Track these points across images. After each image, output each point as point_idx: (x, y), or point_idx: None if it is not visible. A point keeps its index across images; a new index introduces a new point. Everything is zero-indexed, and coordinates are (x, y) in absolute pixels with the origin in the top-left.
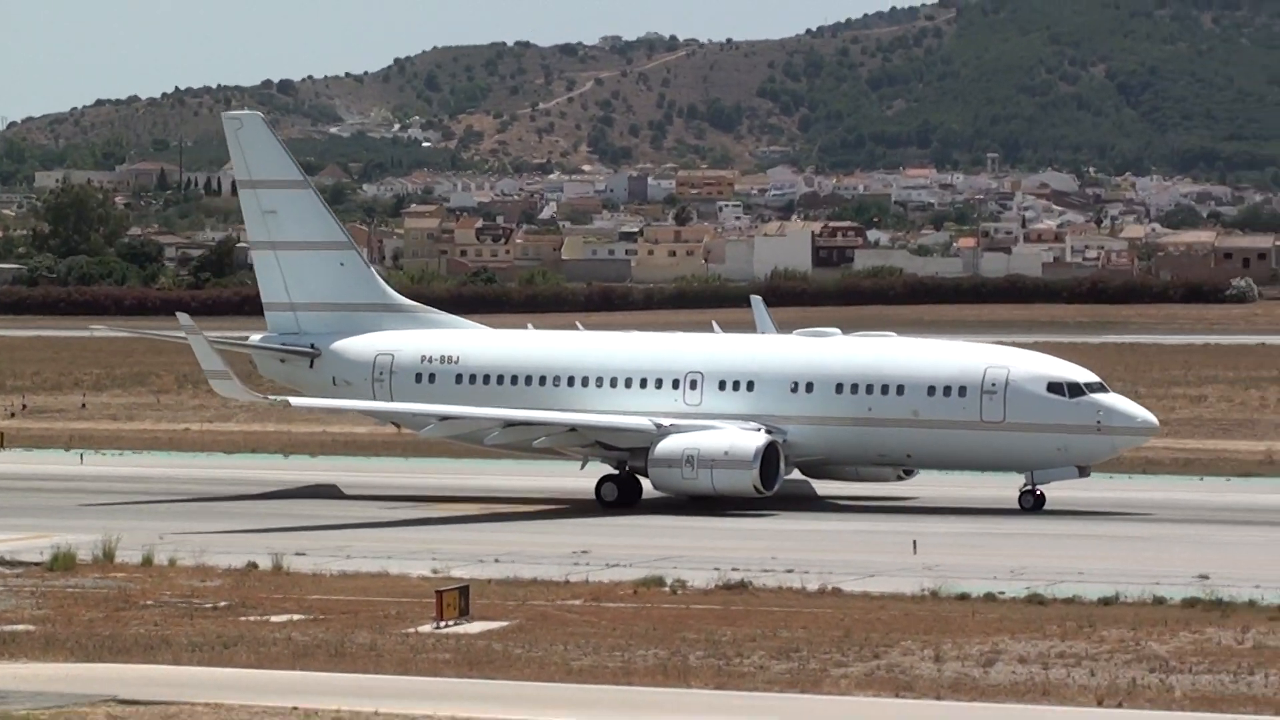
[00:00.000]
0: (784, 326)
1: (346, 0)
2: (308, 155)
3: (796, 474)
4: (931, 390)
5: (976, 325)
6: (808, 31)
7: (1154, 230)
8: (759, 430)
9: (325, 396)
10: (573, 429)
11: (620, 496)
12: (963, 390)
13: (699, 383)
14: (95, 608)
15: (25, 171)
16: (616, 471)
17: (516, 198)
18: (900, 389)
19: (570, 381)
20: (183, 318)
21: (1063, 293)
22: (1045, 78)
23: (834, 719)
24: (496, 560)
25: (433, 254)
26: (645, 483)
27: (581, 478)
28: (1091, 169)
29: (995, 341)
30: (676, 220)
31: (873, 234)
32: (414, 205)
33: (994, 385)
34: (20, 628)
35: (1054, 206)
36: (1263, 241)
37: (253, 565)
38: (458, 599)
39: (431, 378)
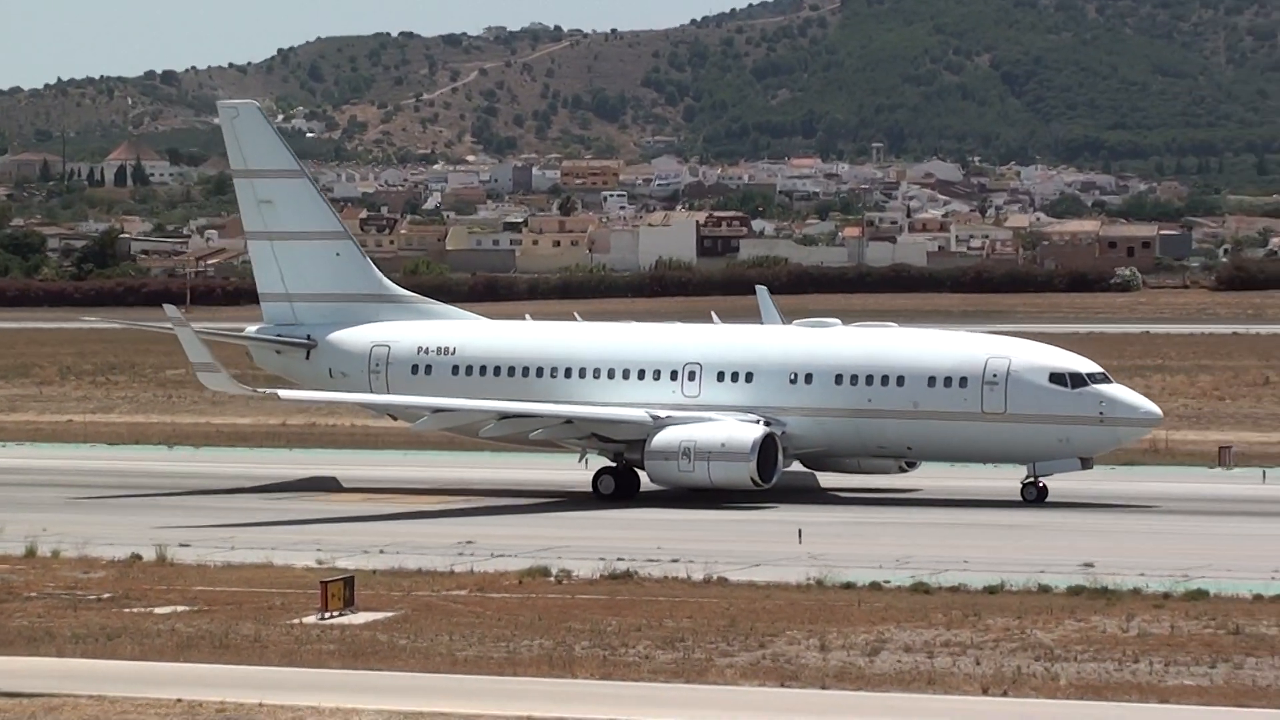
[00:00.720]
0: (665, 317)
1: None
2: (191, 146)
3: (797, 466)
4: (932, 381)
5: (862, 315)
6: (692, 21)
7: (1038, 219)
8: (757, 422)
9: (322, 388)
10: (568, 421)
11: (617, 489)
12: (964, 381)
13: (697, 374)
14: None
15: None
16: (614, 464)
17: (401, 188)
18: (900, 380)
19: (568, 373)
20: (170, 309)
21: (947, 282)
22: (930, 67)
23: (720, 708)
24: (381, 551)
25: None
26: (643, 475)
27: (579, 470)
28: (976, 158)
29: None
30: (561, 210)
31: (758, 224)
32: None
33: (995, 376)
34: None
35: (939, 196)
36: (1146, 230)
37: (137, 557)
38: (342, 590)
39: (428, 369)
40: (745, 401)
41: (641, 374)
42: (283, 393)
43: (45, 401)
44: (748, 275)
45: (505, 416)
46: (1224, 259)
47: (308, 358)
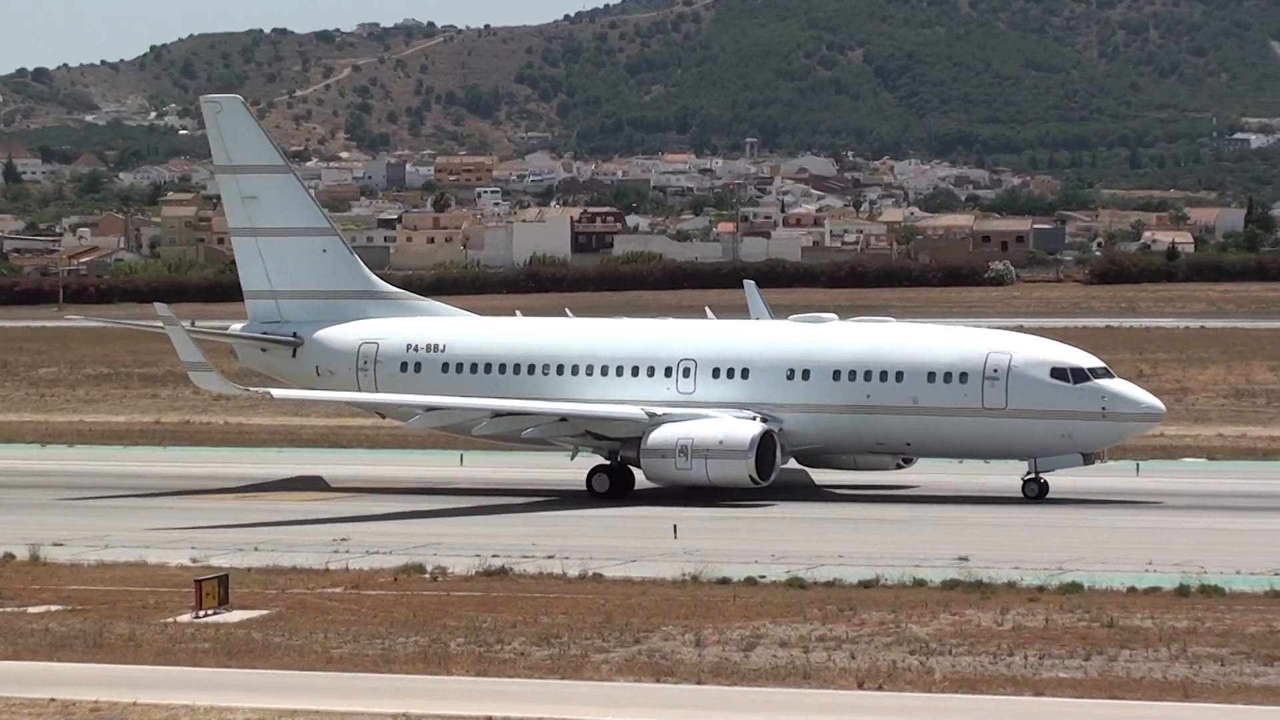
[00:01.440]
0: (541, 313)
1: None
2: (64, 143)
3: (793, 463)
4: (932, 377)
5: (737, 310)
6: (566, 17)
7: (912, 214)
8: (754, 419)
9: (308, 386)
10: (563, 419)
11: (612, 488)
12: (964, 376)
13: (692, 370)
14: None
15: None
16: (608, 462)
17: None
18: (900, 375)
19: (560, 370)
20: (161, 308)
21: (822, 277)
22: (803, 63)
23: (595, 704)
24: (256, 549)
25: (190, 242)
26: (638, 474)
27: (571, 469)
28: (850, 153)
29: None
30: (435, 207)
31: (632, 219)
32: (171, 193)
33: (996, 371)
34: None
35: (813, 191)
36: (1020, 224)
37: (10, 556)
38: (217, 588)
39: (418, 367)
40: (741, 398)
41: (635, 370)
42: (276, 392)
43: None
44: (622, 271)
45: (499, 414)
46: (1097, 252)
47: (294, 355)
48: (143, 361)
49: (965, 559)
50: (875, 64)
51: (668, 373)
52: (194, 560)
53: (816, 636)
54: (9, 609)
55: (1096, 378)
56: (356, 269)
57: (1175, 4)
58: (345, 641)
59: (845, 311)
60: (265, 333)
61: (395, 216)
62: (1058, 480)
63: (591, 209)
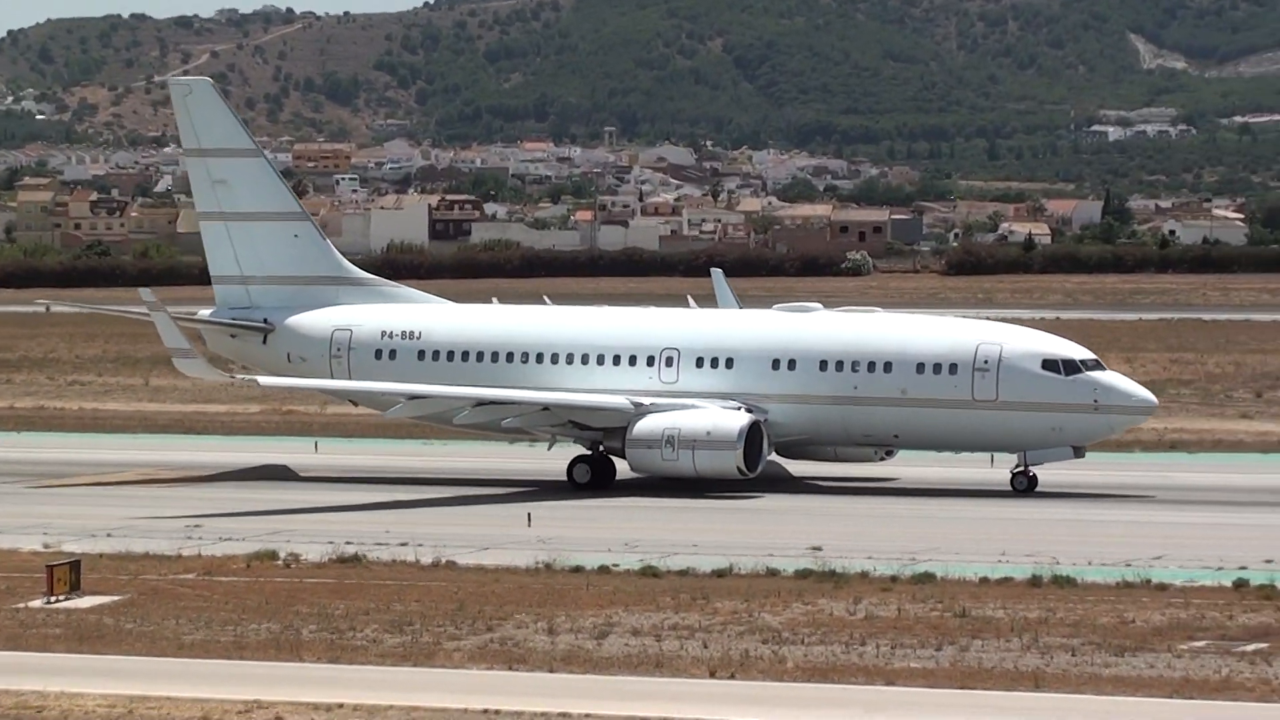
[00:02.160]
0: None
1: None
2: None
3: (773, 455)
4: (921, 368)
5: (594, 298)
6: (425, 4)
7: (770, 204)
8: (738, 409)
9: (279, 373)
10: (545, 408)
11: (593, 478)
12: (954, 368)
13: (675, 360)
14: None
15: None
16: (589, 452)
17: (132, 171)
18: (888, 366)
19: (540, 358)
20: (145, 294)
21: (679, 266)
22: (663, 51)
23: (447, 691)
24: (109, 535)
25: (46, 227)
26: (619, 464)
27: (549, 459)
28: (709, 143)
29: None
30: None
31: (490, 207)
32: (27, 178)
33: (987, 362)
34: None
35: (671, 180)
36: (878, 215)
37: None
38: (69, 574)
39: (393, 354)
40: (725, 388)
41: (617, 359)
42: (262, 379)
43: None
44: (479, 259)
45: (483, 403)
46: (954, 243)
47: (265, 342)
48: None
49: (819, 548)
50: (735, 54)
51: (650, 362)
52: (45, 546)
53: (669, 625)
54: None
55: (1088, 369)
56: (329, 254)
57: None
58: (197, 628)
59: (702, 302)
60: (235, 318)
61: None
62: (916, 471)
63: (449, 196)
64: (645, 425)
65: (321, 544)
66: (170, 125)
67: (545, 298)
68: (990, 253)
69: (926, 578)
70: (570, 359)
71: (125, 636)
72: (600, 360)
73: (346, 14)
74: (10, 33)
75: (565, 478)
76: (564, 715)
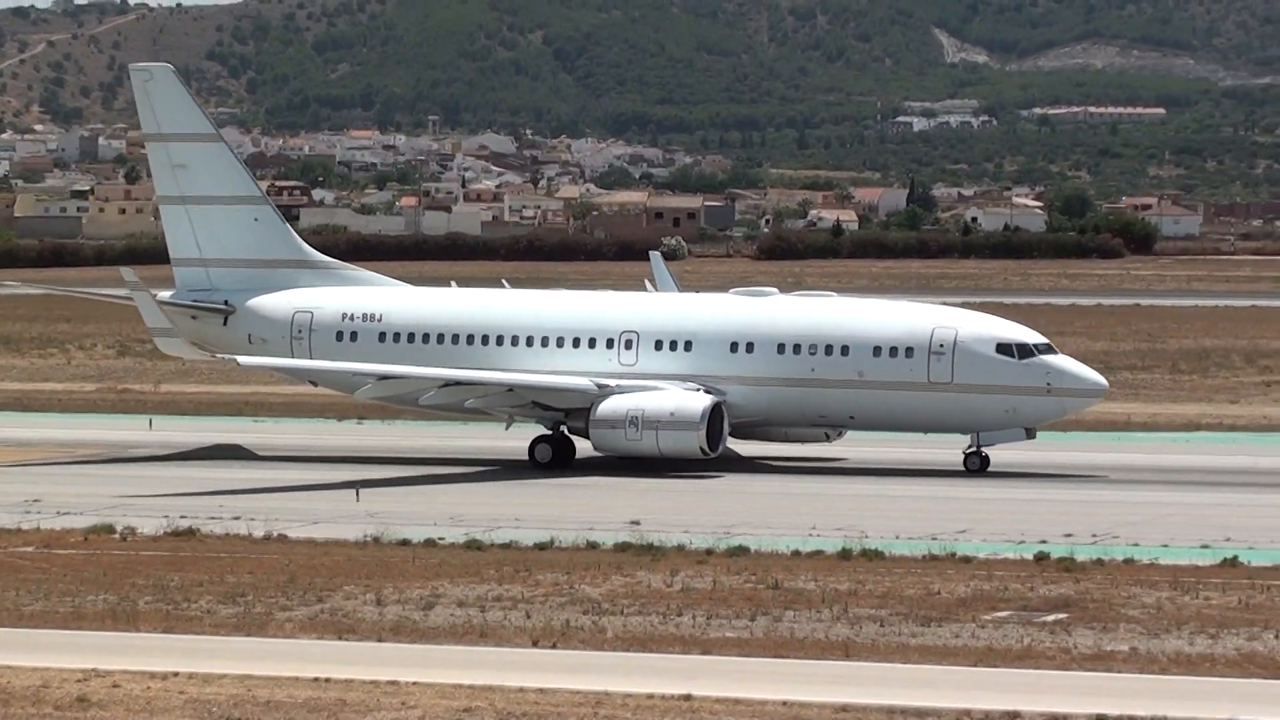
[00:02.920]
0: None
1: None
2: None
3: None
4: (877, 351)
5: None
6: None
7: (589, 190)
8: (699, 391)
9: (239, 354)
10: (511, 389)
11: (554, 458)
12: (909, 351)
13: (634, 342)
14: None
15: None
16: (550, 432)
17: None
18: (845, 349)
19: (500, 340)
20: (127, 273)
21: (501, 250)
22: (485, 43)
23: (279, 660)
24: None
25: None
26: (578, 443)
27: (508, 439)
28: (529, 131)
29: None
30: (127, 179)
31: (318, 193)
32: None
33: (942, 346)
34: None
35: (493, 167)
36: (692, 202)
37: None
38: None
39: (354, 336)
40: (684, 370)
41: (577, 342)
42: (242, 359)
43: None
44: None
45: (451, 384)
46: (765, 229)
47: (225, 324)
48: None
49: (637, 523)
50: (554, 45)
51: (609, 344)
52: None
53: (493, 596)
54: None
55: (1041, 354)
56: (289, 238)
57: None
58: (36, 599)
59: (524, 284)
60: (195, 300)
61: (88, 188)
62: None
63: (279, 183)
64: (609, 406)
65: (157, 518)
66: (8, 112)
67: (504, 281)
68: (800, 238)
69: (740, 551)
70: (530, 341)
71: None
72: (560, 343)
73: (179, 5)
74: None
75: (526, 457)
76: (392, 683)
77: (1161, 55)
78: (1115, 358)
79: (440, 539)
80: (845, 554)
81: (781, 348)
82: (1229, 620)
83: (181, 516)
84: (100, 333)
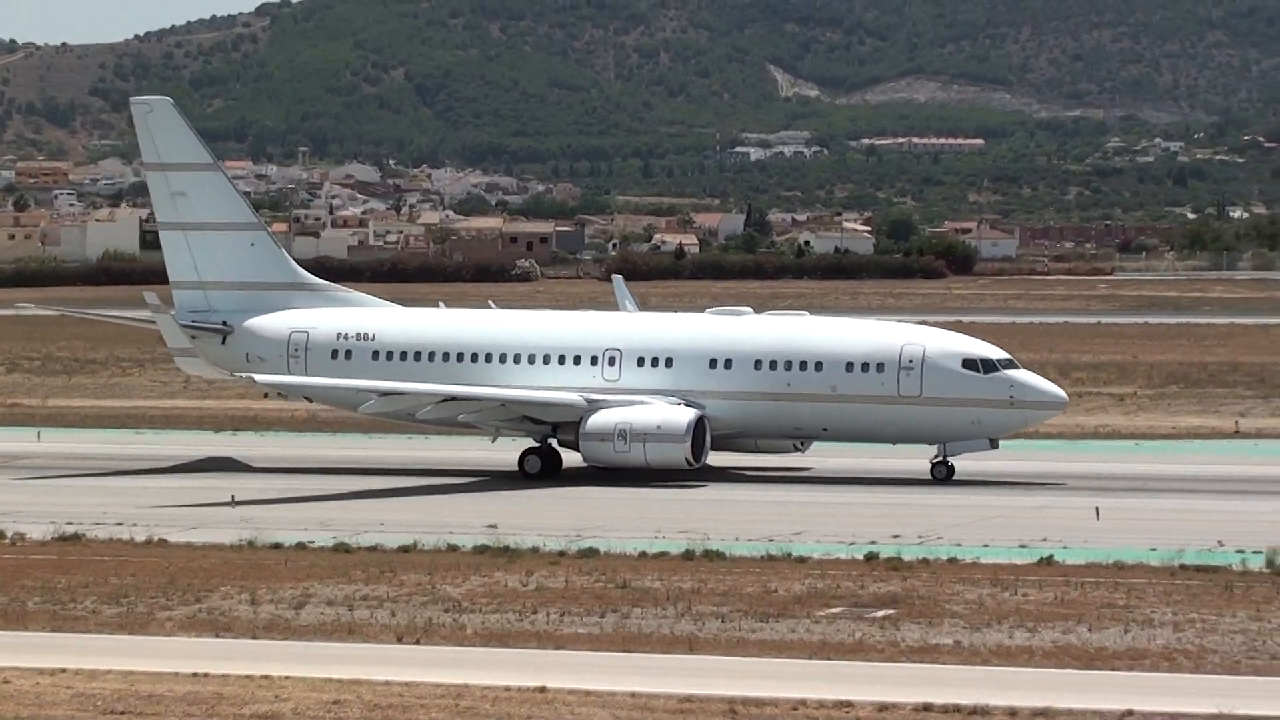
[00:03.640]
0: (109, 304)
1: None
2: None
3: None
4: (850, 367)
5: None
6: (136, 36)
7: (448, 217)
8: (679, 404)
9: (215, 370)
10: (504, 404)
11: (543, 469)
12: (880, 366)
13: (617, 359)
14: None
15: None
16: (538, 445)
17: None
18: (819, 365)
19: (489, 358)
20: (149, 297)
21: (366, 272)
22: (351, 80)
23: (160, 657)
24: None
25: None
26: (565, 455)
27: (497, 451)
28: (392, 162)
29: None
30: (16, 207)
31: None
32: None
33: (911, 362)
34: None
35: (358, 195)
36: (544, 227)
37: None
38: None
39: (348, 354)
40: (665, 385)
41: (562, 359)
42: (258, 376)
43: None
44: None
45: (449, 399)
46: (612, 252)
47: (224, 343)
48: None
49: (494, 526)
50: (415, 81)
51: (593, 361)
52: None
53: (360, 596)
54: None
55: (1004, 368)
56: (284, 262)
57: (684, 31)
58: None
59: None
60: (194, 321)
61: None
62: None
63: None
64: (599, 419)
65: (44, 524)
66: None
67: (490, 302)
68: (645, 261)
69: (591, 553)
70: (518, 358)
71: None
72: (546, 360)
73: (64, 44)
74: None
75: (516, 468)
76: (266, 677)
77: (980, 90)
78: None
79: (311, 542)
80: (689, 555)
81: (758, 364)
82: (1045, 615)
83: (68, 523)
84: None
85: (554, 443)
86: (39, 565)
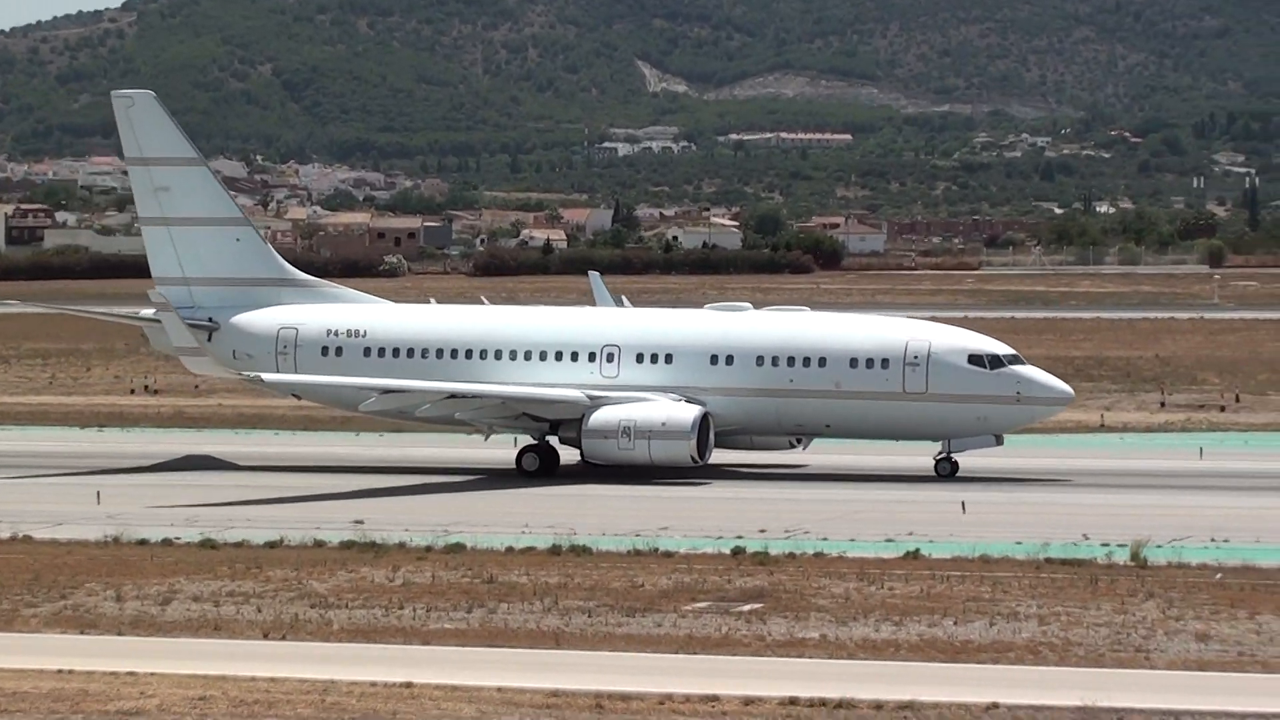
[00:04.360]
0: None
1: None
2: None
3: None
4: (854, 362)
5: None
6: (1, 31)
7: (316, 212)
8: (680, 401)
9: (222, 369)
10: (504, 400)
11: (541, 466)
12: (885, 362)
13: (616, 355)
14: None
15: None
16: (536, 442)
17: None
18: (823, 361)
19: (484, 354)
20: (154, 295)
21: None
22: (218, 75)
23: (24, 654)
24: None
25: None
26: (563, 453)
27: (495, 449)
28: (260, 157)
29: None
30: None
31: (62, 215)
32: None
33: (916, 357)
34: None
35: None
36: (412, 222)
37: None
38: None
39: (339, 351)
40: (665, 382)
41: (559, 355)
42: (267, 376)
43: None
44: (52, 262)
45: (453, 396)
46: (480, 248)
47: (210, 340)
48: None
49: (361, 522)
50: (283, 77)
51: (591, 357)
52: None
53: (227, 592)
54: None
55: (1010, 364)
56: (270, 257)
57: (552, 27)
58: None
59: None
60: (180, 318)
61: None
62: (443, 453)
63: (24, 206)
64: (601, 416)
65: None
66: None
67: (483, 298)
68: (513, 256)
69: (458, 548)
70: (514, 355)
71: None
72: (543, 356)
73: None
74: None
75: (514, 466)
76: (131, 674)
77: (848, 85)
78: None
79: (177, 538)
80: (555, 550)
81: (760, 360)
82: (911, 608)
83: None
84: None
85: (553, 440)
86: None
